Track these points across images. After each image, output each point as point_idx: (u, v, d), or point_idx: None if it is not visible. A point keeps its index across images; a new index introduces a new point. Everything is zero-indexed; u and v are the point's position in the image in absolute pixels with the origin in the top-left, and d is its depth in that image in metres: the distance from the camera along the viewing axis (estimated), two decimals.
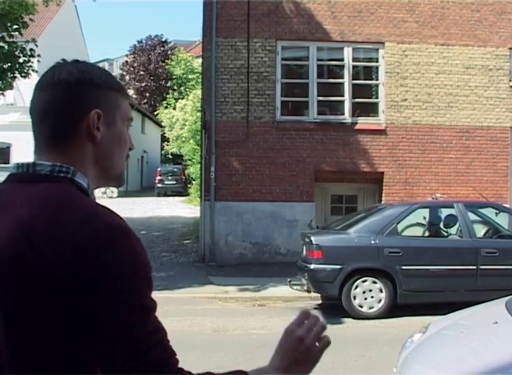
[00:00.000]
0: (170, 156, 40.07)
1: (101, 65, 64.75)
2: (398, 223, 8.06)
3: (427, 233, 8.51)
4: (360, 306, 7.73)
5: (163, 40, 48.16)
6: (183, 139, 34.12)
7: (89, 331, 1.08)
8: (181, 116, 33.21)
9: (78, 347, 1.10)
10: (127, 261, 1.09)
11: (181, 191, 32.10)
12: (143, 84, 46.25)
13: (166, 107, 36.47)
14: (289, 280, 8.66)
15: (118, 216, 1.16)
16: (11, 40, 14.38)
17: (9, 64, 14.47)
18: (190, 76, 37.42)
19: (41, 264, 1.08)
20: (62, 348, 1.09)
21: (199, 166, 14.33)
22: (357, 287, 7.76)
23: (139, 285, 1.10)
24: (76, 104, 1.25)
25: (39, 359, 1.09)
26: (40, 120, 1.27)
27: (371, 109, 12.47)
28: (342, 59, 12.29)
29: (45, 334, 1.09)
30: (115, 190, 31.31)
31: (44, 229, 1.10)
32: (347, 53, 12.24)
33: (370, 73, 12.75)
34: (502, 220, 8.67)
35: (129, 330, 1.07)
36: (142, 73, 46.42)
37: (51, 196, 1.16)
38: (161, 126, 39.57)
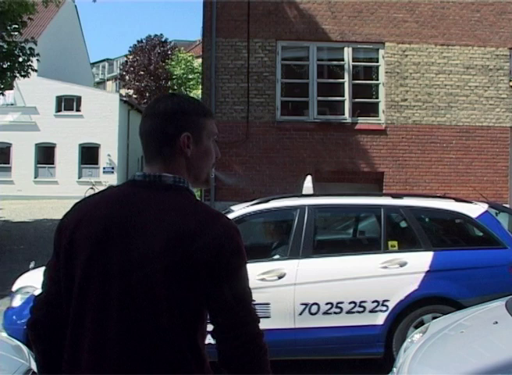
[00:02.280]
0: None
1: (101, 65, 64.79)
2: None
3: None
4: None
5: (163, 40, 48.16)
6: None
7: (214, 296, 1.60)
8: None
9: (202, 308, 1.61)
10: (243, 251, 1.64)
11: None
12: (143, 84, 46.24)
13: None
14: None
15: (226, 216, 1.69)
16: (10, 39, 14.38)
17: (9, 63, 14.47)
18: (190, 76, 37.41)
19: (193, 256, 1.55)
20: (197, 308, 1.60)
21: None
22: None
23: (245, 267, 1.65)
24: (171, 129, 1.68)
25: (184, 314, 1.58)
26: (148, 141, 1.72)
27: (371, 109, 12.47)
28: (342, 59, 12.29)
29: (202, 294, 1.59)
30: None
31: (193, 230, 1.58)
32: (347, 53, 12.24)
33: (370, 73, 12.74)
34: (502, 220, 8.66)
35: (250, 289, 1.67)
36: (142, 73, 46.40)
37: (185, 205, 1.64)
38: None
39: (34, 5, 14.03)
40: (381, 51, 12.29)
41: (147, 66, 46.29)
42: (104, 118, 31.70)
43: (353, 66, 12.37)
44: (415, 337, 3.97)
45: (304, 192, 7.32)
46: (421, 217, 5.82)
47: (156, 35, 48.01)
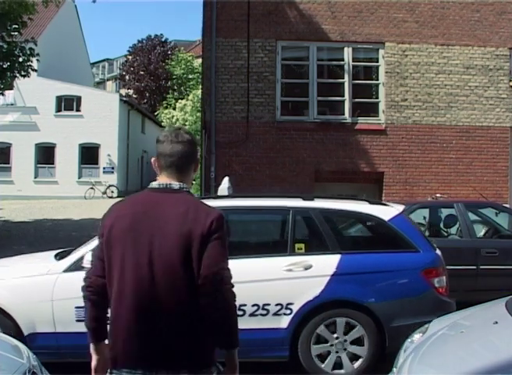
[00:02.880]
0: None
1: (101, 65, 64.78)
2: None
3: (427, 233, 8.48)
4: None
5: (163, 40, 48.15)
6: None
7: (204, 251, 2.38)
8: (181, 116, 33.21)
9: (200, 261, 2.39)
10: (224, 227, 2.45)
11: None
12: (143, 84, 46.25)
13: (166, 107, 36.46)
14: None
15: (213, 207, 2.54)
16: (10, 39, 14.37)
17: (9, 63, 14.48)
18: (190, 76, 37.42)
19: (194, 232, 2.36)
20: (200, 261, 2.38)
21: (199, 166, 14.36)
22: None
23: (226, 238, 2.47)
24: (194, 153, 2.57)
25: (197, 269, 2.38)
26: (173, 160, 2.51)
27: (371, 109, 12.47)
28: (342, 59, 12.29)
29: (199, 257, 2.37)
30: (115, 190, 31.32)
31: (193, 215, 2.40)
32: (347, 53, 12.24)
33: (370, 73, 12.75)
34: (502, 220, 8.66)
35: (226, 254, 2.45)
36: (142, 73, 46.43)
37: (188, 200, 2.49)
38: (161, 126, 39.53)
39: (34, 5, 14.03)
40: (381, 51, 12.29)
41: (147, 66, 46.29)
42: (104, 118, 31.71)
43: (353, 66, 12.37)
44: (415, 337, 3.97)
45: (218, 193, 7.22)
46: (331, 220, 5.66)
47: (156, 35, 48.02)
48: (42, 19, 29.36)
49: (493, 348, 3.34)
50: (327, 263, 5.25)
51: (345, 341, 5.21)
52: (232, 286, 2.41)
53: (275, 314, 5.15)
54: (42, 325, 5.08)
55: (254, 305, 5.10)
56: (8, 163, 31.61)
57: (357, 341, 5.23)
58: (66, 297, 5.13)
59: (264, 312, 5.15)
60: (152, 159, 2.56)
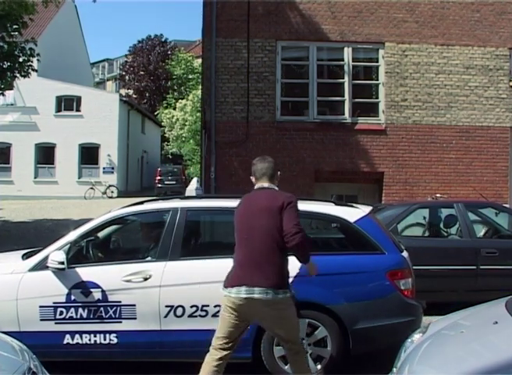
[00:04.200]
0: (170, 156, 40.08)
1: (101, 65, 64.70)
2: (398, 223, 8.04)
3: (427, 234, 8.50)
4: None
5: (163, 40, 48.17)
6: (183, 139, 34.08)
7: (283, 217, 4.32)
8: (181, 116, 33.20)
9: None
10: (296, 203, 4.41)
11: (181, 191, 32.12)
12: (143, 84, 46.26)
13: (166, 107, 36.46)
14: None
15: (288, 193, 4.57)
16: (10, 40, 14.38)
17: (9, 64, 14.48)
18: (190, 76, 37.40)
19: (273, 207, 4.31)
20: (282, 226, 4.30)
21: (199, 166, 14.34)
22: None
23: (296, 207, 4.40)
24: (276, 168, 4.70)
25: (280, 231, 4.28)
26: (265, 172, 4.61)
27: (371, 109, 12.47)
28: (342, 59, 12.29)
29: (280, 222, 4.28)
30: (114, 190, 31.32)
31: (273, 198, 4.41)
32: (347, 53, 12.24)
33: (370, 73, 12.75)
34: (502, 220, 8.66)
35: (296, 216, 4.33)
36: (142, 73, 46.46)
37: (271, 192, 4.54)
38: (161, 126, 39.55)
39: (34, 5, 14.02)
40: (381, 51, 12.29)
41: (147, 66, 46.29)
42: (104, 118, 31.71)
43: (353, 66, 12.37)
44: (415, 337, 3.97)
45: (186, 194, 7.17)
46: None
47: (156, 35, 48.05)
48: (42, 19, 29.35)
49: (493, 348, 3.34)
50: (292, 264, 5.23)
51: (309, 344, 5.16)
52: (304, 231, 4.19)
53: None
54: (6, 324, 5.06)
55: (216, 306, 5.01)
56: (8, 163, 31.62)
57: (321, 343, 5.18)
58: (31, 296, 5.16)
59: None
60: (252, 178, 4.61)
